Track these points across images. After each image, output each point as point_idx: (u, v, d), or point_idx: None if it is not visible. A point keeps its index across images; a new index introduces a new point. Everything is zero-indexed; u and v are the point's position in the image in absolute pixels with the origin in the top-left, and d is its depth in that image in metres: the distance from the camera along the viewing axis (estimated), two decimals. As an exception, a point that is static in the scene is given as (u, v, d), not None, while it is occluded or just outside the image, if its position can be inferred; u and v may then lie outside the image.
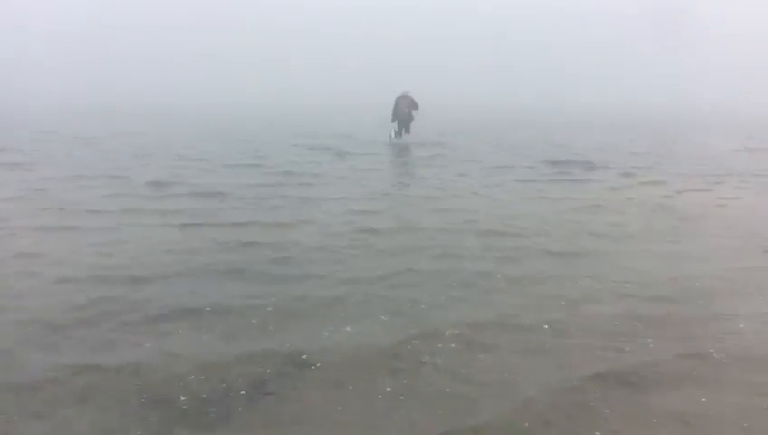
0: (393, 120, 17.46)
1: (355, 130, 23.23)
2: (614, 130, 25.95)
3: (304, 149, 16.41)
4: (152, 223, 7.45)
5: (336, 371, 3.78)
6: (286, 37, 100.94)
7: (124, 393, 3.46)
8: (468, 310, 4.75)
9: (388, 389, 3.59)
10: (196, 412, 3.30)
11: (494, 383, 3.67)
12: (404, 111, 17.15)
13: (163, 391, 3.48)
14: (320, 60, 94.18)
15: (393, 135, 17.61)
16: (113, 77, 75.40)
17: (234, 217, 7.91)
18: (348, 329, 4.38)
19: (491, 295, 5.09)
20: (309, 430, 3.19)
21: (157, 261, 5.87)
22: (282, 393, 3.51)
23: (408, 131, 17.48)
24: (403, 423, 3.25)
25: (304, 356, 3.92)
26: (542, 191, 10.37)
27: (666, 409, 3.37)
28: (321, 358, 3.92)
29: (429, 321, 4.52)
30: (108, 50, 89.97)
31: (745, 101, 60.00)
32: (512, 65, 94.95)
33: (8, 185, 9.92)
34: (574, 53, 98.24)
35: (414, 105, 17.14)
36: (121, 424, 3.17)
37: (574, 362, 3.91)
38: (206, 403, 3.38)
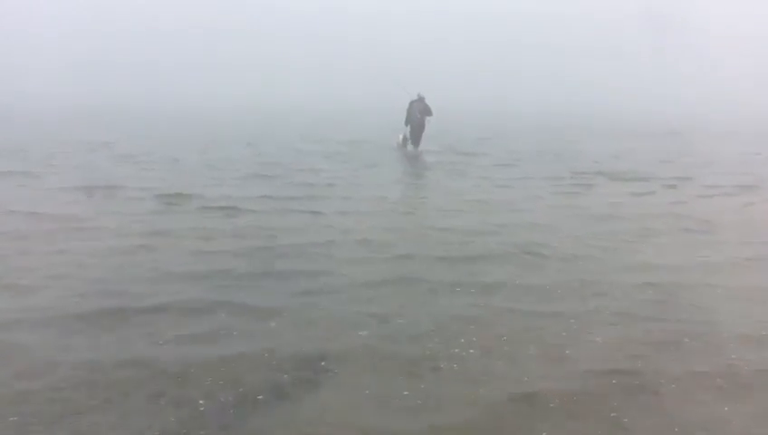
0: (406, 125, 16.53)
1: (368, 134, 22.19)
2: (630, 136, 25.29)
3: (319, 157, 15.30)
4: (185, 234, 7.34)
5: (353, 375, 3.82)
6: (287, 40, 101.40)
7: (143, 395, 3.52)
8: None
9: (405, 393, 3.62)
10: (214, 415, 3.35)
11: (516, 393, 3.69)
12: (416, 117, 16.16)
13: (181, 394, 3.54)
14: (322, 62, 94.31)
15: (401, 140, 16.74)
16: (108, 80, 75.69)
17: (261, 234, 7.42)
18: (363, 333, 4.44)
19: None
20: (326, 434, 3.22)
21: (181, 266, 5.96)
22: (299, 397, 3.55)
23: (417, 143, 16.49)
24: (422, 427, 3.28)
25: (323, 362, 3.96)
26: (615, 206, 9.61)
27: None
28: (339, 362, 3.97)
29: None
30: (102, 52, 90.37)
31: (748, 105, 59.27)
32: (510, 69, 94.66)
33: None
34: (573, 58, 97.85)
35: (428, 111, 16.09)
36: (140, 426, 3.23)
37: None
38: (224, 406, 3.43)
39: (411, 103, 16.14)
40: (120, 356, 3.99)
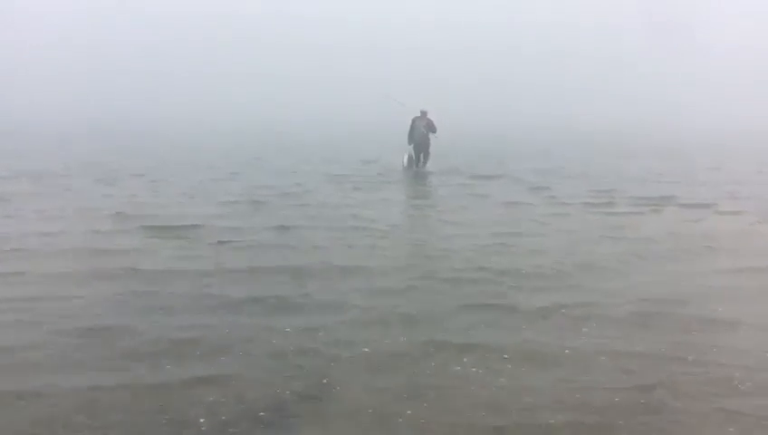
0: (409, 144, 15.81)
1: (381, 153, 20.43)
2: (649, 154, 24.30)
3: (347, 186, 13.28)
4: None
5: (356, 393, 3.84)
6: (286, 51, 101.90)
7: (145, 415, 3.55)
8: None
9: (408, 412, 3.63)
10: (215, 434, 3.37)
11: (515, 409, 3.69)
12: (421, 133, 15.51)
13: (183, 413, 3.57)
14: (322, 74, 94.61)
15: (406, 161, 15.84)
16: (108, 93, 76.00)
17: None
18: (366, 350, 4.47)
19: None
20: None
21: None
22: (302, 416, 3.57)
23: (425, 161, 15.76)
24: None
25: (325, 380, 3.97)
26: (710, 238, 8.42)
27: None
28: (342, 380, 3.99)
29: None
30: (101, 64, 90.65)
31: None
32: (512, 80, 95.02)
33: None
34: (578, 67, 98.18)
35: (432, 127, 15.47)
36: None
37: None
38: (225, 425, 3.45)
39: (414, 120, 15.59)
40: (120, 375, 4.02)
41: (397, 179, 14.80)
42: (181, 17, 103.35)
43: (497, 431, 3.46)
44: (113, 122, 39.96)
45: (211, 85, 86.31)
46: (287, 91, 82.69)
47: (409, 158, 15.86)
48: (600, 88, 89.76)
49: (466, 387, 3.95)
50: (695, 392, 3.93)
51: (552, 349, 4.53)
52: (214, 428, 3.42)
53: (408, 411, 3.63)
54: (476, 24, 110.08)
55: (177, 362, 4.23)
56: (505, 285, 6.09)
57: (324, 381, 3.97)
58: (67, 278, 6.03)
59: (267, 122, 46.91)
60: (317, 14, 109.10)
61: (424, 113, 15.58)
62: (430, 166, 15.94)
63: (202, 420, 3.50)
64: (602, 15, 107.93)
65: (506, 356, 4.39)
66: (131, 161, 16.96)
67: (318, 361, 4.26)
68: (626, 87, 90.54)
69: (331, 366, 4.18)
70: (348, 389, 3.89)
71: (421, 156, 15.78)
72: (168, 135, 30.46)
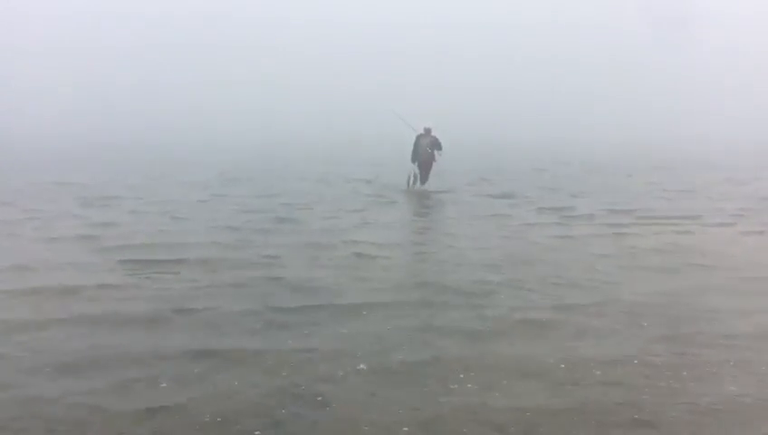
0: (413, 162, 15.58)
1: (381, 170, 20.43)
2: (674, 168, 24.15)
3: (345, 208, 12.37)
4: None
5: (352, 410, 3.86)
6: (285, 56, 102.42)
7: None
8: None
9: (405, 429, 3.65)
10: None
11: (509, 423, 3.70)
12: (426, 152, 15.26)
13: (178, 432, 3.60)
14: (322, 82, 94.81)
15: (412, 180, 15.58)
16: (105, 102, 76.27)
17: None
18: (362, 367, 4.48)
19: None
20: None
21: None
22: (297, 433, 3.60)
23: (426, 179, 15.47)
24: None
25: (319, 398, 4.00)
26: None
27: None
28: (337, 397, 4.01)
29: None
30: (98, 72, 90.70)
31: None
32: (510, 88, 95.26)
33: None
34: (581, 73, 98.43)
35: (437, 145, 15.22)
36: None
37: None
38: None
39: (418, 138, 15.43)
40: (118, 394, 4.06)
41: (398, 200, 14.14)
42: (168, 20, 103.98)
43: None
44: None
45: (207, 93, 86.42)
46: (285, 98, 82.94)
47: (414, 176, 15.63)
48: (602, 93, 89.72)
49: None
50: None
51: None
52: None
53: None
54: (474, 24, 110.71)
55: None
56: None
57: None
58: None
59: (261, 133, 46.76)
60: (317, 18, 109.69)
61: (428, 131, 15.41)
62: (429, 185, 15.50)
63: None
64: (603, 17, 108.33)
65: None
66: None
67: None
68: (629, 92, 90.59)
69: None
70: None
71: (423, 176, 15.48)
72: (155, 148, 30.20)
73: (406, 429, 3.65)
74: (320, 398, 4.01)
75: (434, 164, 15.52)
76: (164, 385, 4.18)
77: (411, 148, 15.59)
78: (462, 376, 4.34)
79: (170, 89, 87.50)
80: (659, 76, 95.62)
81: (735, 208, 12.84)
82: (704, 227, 10.83)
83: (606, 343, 5.08)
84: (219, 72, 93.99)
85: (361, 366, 4.48)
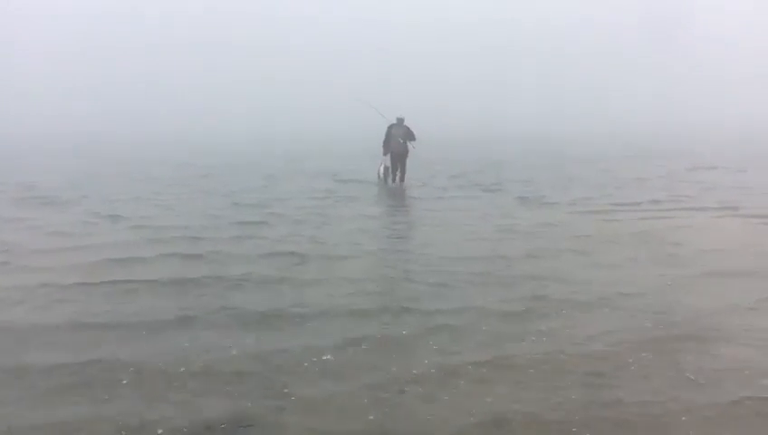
0: (385, 154, 14.98)
1: (355, 165, 20.19)
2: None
3: (314, 209, 11.45)
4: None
5: (318, 402, 3.92)
6: (281, 54, 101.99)
7: (102, 429, 3.60)
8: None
9: (370, 417, 3.72)
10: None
11: (479, 413, 3.79)
12: (398, 143, 14.69)
13: (141, 426, 3.62)
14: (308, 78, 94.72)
15: (382, 172, 15.13)
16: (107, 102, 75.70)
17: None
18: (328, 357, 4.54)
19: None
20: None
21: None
22: (263, 425, 3.64)
23: (402, 172, 14.95)
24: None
25: (286, 390, 4.04)
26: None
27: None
28: (303, 389, 4.06)
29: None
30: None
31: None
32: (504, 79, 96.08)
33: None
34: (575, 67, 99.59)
35: (410, 135, 14.63)
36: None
37: None
38: (185, 437, 3.51)
39: (390, 128, 14.74)
40: (79, 392, 4.06)
41: (371, 196, 13.68)
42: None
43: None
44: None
45: (179, 87, 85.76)
46: (283, 96, 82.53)
47: (385, 169, 15.11)
48: (595, 85, 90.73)
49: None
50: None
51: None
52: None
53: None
54: (469, 23, 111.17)
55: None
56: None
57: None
58: None
59: (232, 130, 46.18)
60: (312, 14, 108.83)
61: (400, 120, 14.75)
62: (408, 180, 15.07)
63: (160, 432, 3.56)
64: (599, 12, 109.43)
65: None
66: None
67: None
68: (626, 85, 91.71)
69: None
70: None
71: (398, 170, 14.96)
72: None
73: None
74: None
75: (408, 156, 14.90)
76: None
77: (383, 138, 14.86)
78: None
79: (165, 89, 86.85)
80: (657, 73, 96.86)
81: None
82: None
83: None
84: (215, 72, 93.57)
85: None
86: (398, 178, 15.10)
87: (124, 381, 4.16)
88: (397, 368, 4.35)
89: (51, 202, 12.51)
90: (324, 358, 4.51)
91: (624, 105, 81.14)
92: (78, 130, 44.62)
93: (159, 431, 3.55)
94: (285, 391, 4.02)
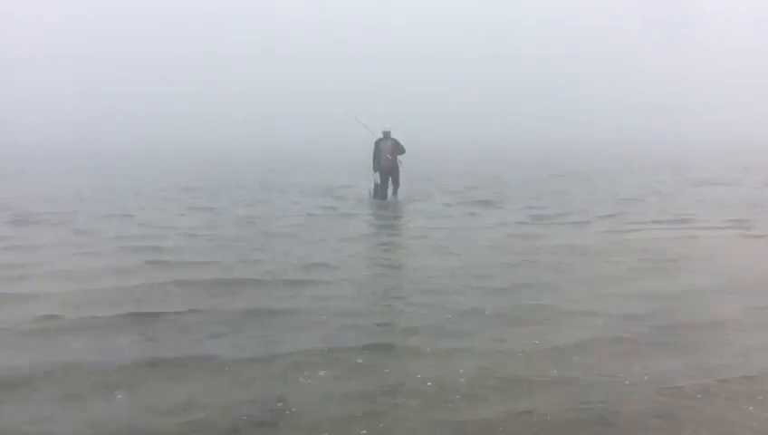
0: (375, 170, 14.50)
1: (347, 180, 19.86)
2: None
3: (302, 227, 11.04)
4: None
5: (311, 416, 3.97)
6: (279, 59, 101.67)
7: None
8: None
9: (363, 432, 3.76)
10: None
11: (470, 430, 3.86)
12: (387, 159, 14.29)
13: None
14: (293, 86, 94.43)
15: (373, 190, 14.67)
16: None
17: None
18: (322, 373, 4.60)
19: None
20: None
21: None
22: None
23: (396, 186, 14.60)
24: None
25: (280, 404, 4.08)
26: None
27: None
28: (297, 404, 4.11)
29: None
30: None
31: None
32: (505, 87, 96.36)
33: None
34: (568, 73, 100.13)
35: (398, 149, 14.26)
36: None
37: None
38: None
39: (377, 143, 14.33)
40: (70, 406, 4.08)
41: (363, 213, 13.21)
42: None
43: None
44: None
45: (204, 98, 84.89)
46: (281, 103, 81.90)
47: (376, 186, 14.63)
48: (594, 93, 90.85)
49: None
50: None
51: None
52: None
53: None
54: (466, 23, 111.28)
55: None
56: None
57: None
58: None
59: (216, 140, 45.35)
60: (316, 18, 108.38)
61: (387, 134, 14.29)
62: (401, 194, 14.78)
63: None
64: (599, 16, 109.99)
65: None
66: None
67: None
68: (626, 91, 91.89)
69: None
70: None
71: (389, 184, 14.55)
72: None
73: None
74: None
75: (399, 170, 14.51)
76: None
77: (372, 155, 14.45)
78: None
79: (163, 96, 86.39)
80: (658, 77, 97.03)
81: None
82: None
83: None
84: (213, 78, 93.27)
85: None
86: (390, 193, 14.66)
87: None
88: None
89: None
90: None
91: (628, 112, 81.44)
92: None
93: None
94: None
